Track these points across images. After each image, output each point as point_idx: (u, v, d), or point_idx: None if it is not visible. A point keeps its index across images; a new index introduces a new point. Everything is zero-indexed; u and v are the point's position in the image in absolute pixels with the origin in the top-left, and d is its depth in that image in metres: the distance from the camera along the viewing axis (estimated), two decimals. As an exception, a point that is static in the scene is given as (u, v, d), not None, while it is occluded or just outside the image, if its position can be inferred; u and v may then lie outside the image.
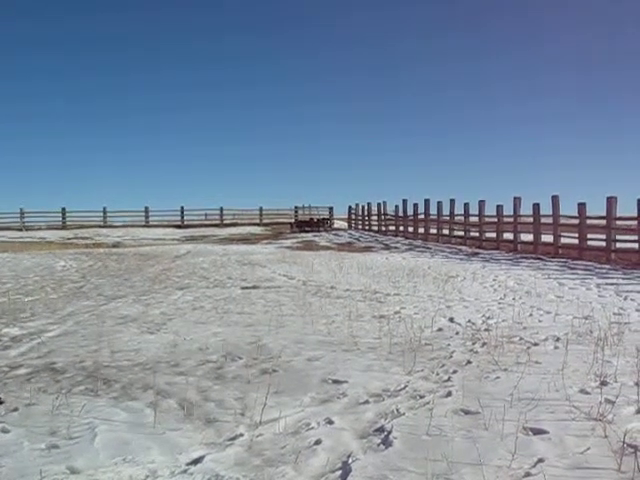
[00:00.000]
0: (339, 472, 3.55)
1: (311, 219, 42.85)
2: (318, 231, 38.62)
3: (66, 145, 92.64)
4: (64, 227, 41.91)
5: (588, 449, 3.76)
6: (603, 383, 5.16)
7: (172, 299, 10.62)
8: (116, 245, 29.25)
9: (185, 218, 45.21)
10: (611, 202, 17.62)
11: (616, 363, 5.73)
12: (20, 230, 39.95)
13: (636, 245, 16.75)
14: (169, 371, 5.85)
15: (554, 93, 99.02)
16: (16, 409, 4.68)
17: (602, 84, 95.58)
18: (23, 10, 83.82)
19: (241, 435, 4.15)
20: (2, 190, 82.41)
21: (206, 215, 46.77)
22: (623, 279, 13.25)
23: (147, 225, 43.40)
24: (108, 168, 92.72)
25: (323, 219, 42.98)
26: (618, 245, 17.64)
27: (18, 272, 15.44)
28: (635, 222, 17.16)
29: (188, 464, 3.69)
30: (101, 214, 43.88)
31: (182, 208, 45.22)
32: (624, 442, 3.75)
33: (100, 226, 42.07)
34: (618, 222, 17.86)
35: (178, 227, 42.92)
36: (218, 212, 45.94)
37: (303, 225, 41.16)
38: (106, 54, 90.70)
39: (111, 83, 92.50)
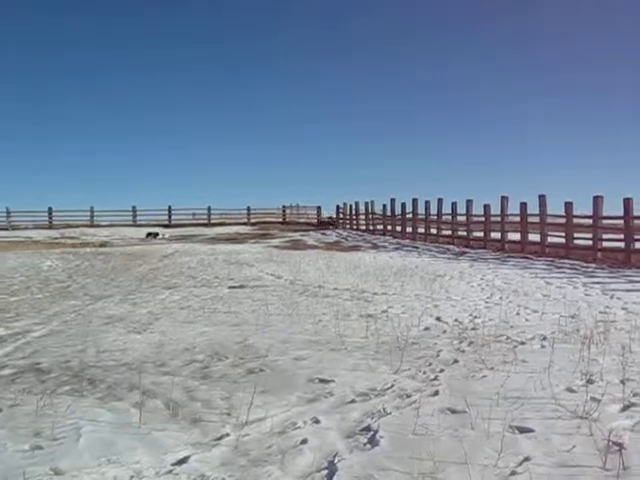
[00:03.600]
0: (325, 471, 3.54)
1: (330, 218, 44.75)
2: (306, 231, 38.59)
3: (51, 146, 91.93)
4: (51, 226, 41.62)
5: (574, 447, 3.77)
6: (589, 381, 5.17)
7: (159, 298, 10.58)
8: (103, 244, 29.07)
9: (173, 217, 45.02)
10: (597, 201, 17.69)
11: (602, 361, 5.75)
12: (6, 229, 39.68)
13: (622, 244, 16.83)
14: (155, 371, 5.82)
15: (541, 93, 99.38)
16: (0, 410, 4.64)
17: (587, 84, 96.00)
18: (25, 10, 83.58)
19: (227, 435, 4.14)
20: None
21: (194, 214, 46.64)
22: (609, 278, 13.32)
23: (134, 224, 43.15)
24: (94, 168, 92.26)
25: (337, 218, 44.14)
26: (604, 244, 17.71)
27: (3, 272, 15.33)
28: (621, 221, 17.23)
29: (173, 464, 3.67)
30: (88, 213, 43.63)
31: (169, 207, 45.04)
32: (609, 440, 3.76)
33: (87, 225, 41.82)
34: (604, 221, 17.93)
35: (166, 226, 42.68)
36: (206, 211, 45.78)
37: (325, 224, 42.60)
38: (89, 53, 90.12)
39: (101, 83, 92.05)
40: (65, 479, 3.45)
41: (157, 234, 35.68)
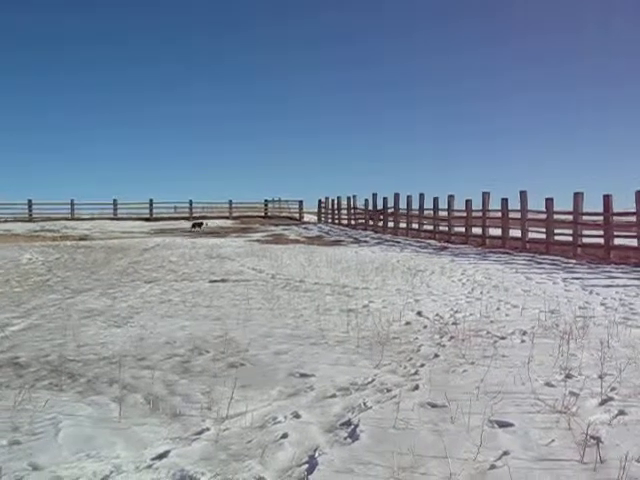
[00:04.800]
0: (305, 466, 3.54)
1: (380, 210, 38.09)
2: (288, 225, 38.52)
3: (32, 138, 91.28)
4: (31, 219, 41.23)
5: (552, 441, 3.80)
6: (568, 376, 5.22)
7: (140, 292, 10.53)
8: (84, 238, 28.83)
9: (154, 211, 44.77)
10: (578, 198, 17.82)
11: (581, 356, 5.80)
12: (-15, 222, 39.27)
13: (602, 240, 16.97)
14: (135, 365, 5.79)
15: (522, 89, 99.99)
16: (-22, 404, 4.59)
17: (567, 79, 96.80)
18: (24, 5, 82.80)
19: (207, 429, 4.12)
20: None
21: (175, 208, 46.41)
22: (588, 273, 13.42)
23: (115, 218, 42.92)
24: (76, 160, 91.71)
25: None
26: (584, 240, 17.84)
27: (-18, 265, 15.17)
28: (601, 217, 17.38)
29: (153, 459, 3.65)
30: (68, 206, 43.27)
31: (151, 201, 44.80)
32: (587, 434, 3.79)
33: (67, 218, 41.44)
34: (584, 217, 18.08)
35: (147, 220, 42.47)
36: (187, 205, 45.61)
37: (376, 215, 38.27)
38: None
39: (83, 77, 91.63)
40: (44, 474, 3.42)
41: (201, 224, 36.72)
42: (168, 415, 4.41)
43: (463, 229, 23.53)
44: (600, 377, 5.11)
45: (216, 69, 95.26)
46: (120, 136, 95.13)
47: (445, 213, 24.86)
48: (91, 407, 4.55)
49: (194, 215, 44.74)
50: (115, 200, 44.22)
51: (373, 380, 5.22)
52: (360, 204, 35.04)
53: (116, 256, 17.76)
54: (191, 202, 45.51)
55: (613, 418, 4.20)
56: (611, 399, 4.60)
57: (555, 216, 18.98)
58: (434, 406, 4.50)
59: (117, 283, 11.76)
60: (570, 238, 18.04)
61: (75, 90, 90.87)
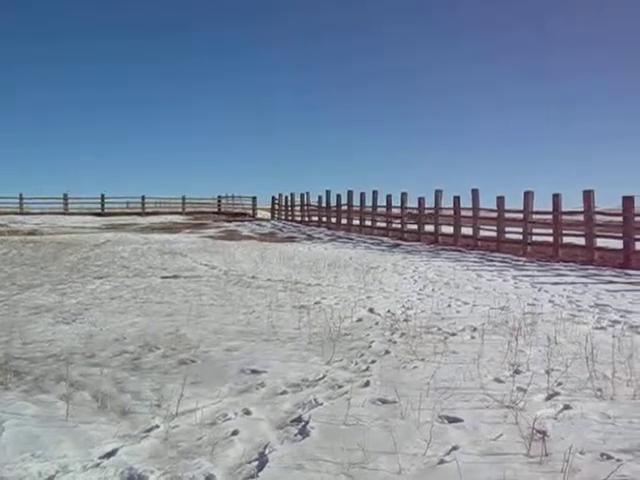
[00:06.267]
0: (255, 463, 3.53)
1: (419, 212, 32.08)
2: (242, 221, 38.39)
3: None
4: (-23, 214, 40.30)
5: (500, 436, 3.86)
6: (516, 372, 5.30)
7: (90, 288, 10.36)
8: (33, 232, 28.22)
9: (106, 206, 44.19)
10: (528, 197, 18.12)
11: (529, 352, 5.90)
12: None
13: (551, 239, 17.29)
14: (84, 362, 5.69)
15: (473, 87, 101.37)
16: None
17: (520, 77, 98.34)
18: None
19: (157, 427, 4.07)
20: None
21: (128, 203, 45.88)
22: (538, 271, 13.66)
23: (66, 212, 42.23)
24: (25, 153, 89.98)
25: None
26: (534, 238, 18.16)
27: None
28: (550, 216, 17.71)
29: (101, 457, 3.59)
30: (17, 200, 42.42)
31: (102, 196, 44.21)
32: (533, 428, 3.85)
33: (16, 213, 40.62)
34: (535, 216, 18.40)
35: (98, 215, 41.90)
36: (140, 200, 45.10)
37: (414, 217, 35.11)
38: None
39: (34, 74, 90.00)
40: (-14, 474, 3.34)
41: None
42: (117, 413, 4.35)
43: (416, 226, 23.72)
44: (547, 372, 5.21)
45: (174, 68, 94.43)
46: (71, 133, 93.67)
47: (398, 210, 25.04)
48: (37, 406, 4.46)
49: (147, 211, 44.29)
50: (66, 195, 43.53)
51: (324, 376, 5.22)
52: (313, 201, 35.11)
53: (66, 251, 17.45)
54: (143, 197, 45.06)
55: (559, 412, 4.29)
56: (557, 394, 4.69)
57: (506, 214, 19.28)
58: (385, 402, 4.53)
59: (67, 279, 11.55)
60: (520, 236, 18.35)
61: (27, 87, 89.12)
